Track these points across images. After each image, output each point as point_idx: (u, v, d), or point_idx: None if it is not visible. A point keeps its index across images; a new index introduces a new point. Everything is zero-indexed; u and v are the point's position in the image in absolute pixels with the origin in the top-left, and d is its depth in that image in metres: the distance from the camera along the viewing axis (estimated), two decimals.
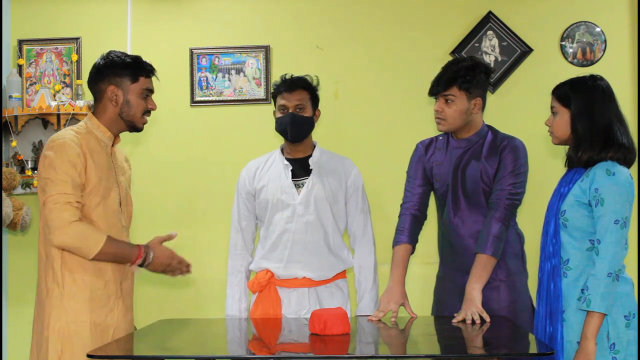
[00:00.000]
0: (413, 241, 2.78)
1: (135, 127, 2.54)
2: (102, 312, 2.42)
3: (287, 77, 2.90)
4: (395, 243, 2.77)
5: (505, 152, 2.65)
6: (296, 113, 2.85)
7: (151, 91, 2.54)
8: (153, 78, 2.44)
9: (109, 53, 2.51)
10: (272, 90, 2.97)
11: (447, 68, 2.69)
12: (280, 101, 2.88)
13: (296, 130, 2.86)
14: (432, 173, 2.79)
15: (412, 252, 2.79)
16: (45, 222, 2.34)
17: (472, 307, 2.51)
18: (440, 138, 2.83)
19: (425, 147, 2.84)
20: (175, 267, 2.51)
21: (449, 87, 2.64)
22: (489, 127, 2.75)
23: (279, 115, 2.88)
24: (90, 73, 2.52)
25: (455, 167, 2.72)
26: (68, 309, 2.37)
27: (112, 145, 2.53)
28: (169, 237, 2.52)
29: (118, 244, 2.38)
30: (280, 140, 3.02)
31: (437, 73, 2.72)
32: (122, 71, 2.47)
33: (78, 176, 2.35)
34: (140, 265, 2.43)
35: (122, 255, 2.39)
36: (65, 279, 2.38)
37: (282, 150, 2.97)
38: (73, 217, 2.30)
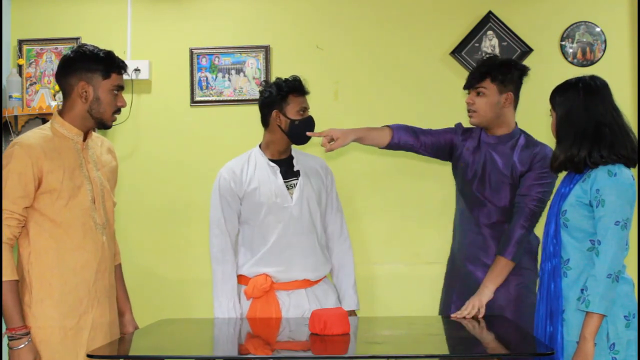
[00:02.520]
0: (395, 127, 2.87)
1: (104, 125, 2.45)
2: (74, 316, 2.36)
3: (297, 78, 2.87)
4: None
5: (538, 157, 2.72)
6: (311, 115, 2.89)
7: (122, 88, 2.46)
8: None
9: (80, 46, 2.43)
10: (275, 91, 2.87)
11: (483, 62, 2.82)
12: (300, 104, 2.85)
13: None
14: (462, 156, 2.85)
15: (390, 138, 2.85)
16: None
17: (477, 302, 2.60)
18: (475, 130, 2.89)
19: (463, 130, 2.91)
20: None
21: (483, 80, 2.76)
22: (522, 131, 2.83)
23: (297, 117, 2.84)
24: (59, 66, 2.43)
25: (485, 159, 2.79)
26: (37, 315, 2.32)
27: (85, 140, 2.46)
28: None
29: (11, 300, 2.26)
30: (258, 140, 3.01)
31: (476, 66, 2.85)
32: (94, 66, 2.38)
33: (23, 187, 2.29)
34: (10, 338, 2.27)
35: (4, 310, 2.26)
36: (32, 284, 2.33)
37: (261, 152, 2.94)
38: (4, 237, 2.28)
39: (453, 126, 2.96)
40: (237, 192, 2.88)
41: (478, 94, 2.76)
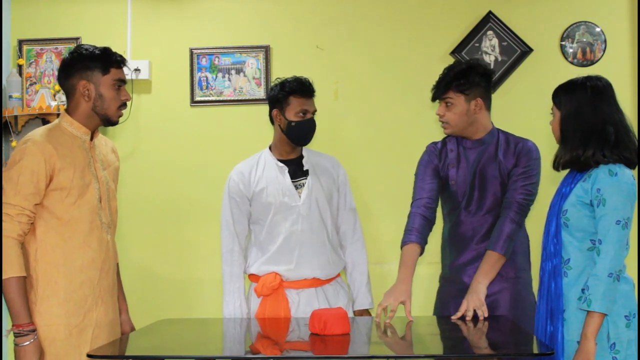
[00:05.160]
0: (422, 241, 2.72)
1: (110, 122, 2.47)
2: (79, 313, 2.37)
3: (303, 79, 2.87)
4: (404, 243, 2.73)
5: (522, 153, 2.71)
6: (313, 118, 2.88)
7: (123, 82, 2.47)
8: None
9: (77, 47, 2.45)
10: (277, 90, 2.88)
11: (444, 73, 2.76)
12: (300, 105, 2.85)
13: (312, 135, 2.89)
14: (448, 176, 2.79)
15: (421, 253, 2.73)
16: None
17: (476, 299, 2.56)
18: (449, 140, 2.84)
19: (439, 151, 2.83)
20: None
21: (446, 91, 2.71)
22: (499, 130, 2.80)
23: (295, 118, 2.84)
24: (60, 69, 2.46)
25: (474, 167, 2.76)
26: (42, 312, 2.33)
27: (92, 139, 2.48)
28: None
29: (18, 296, 2.26)
30: (268, 141, 3.01)
31: (438, 77, 2.77)
32: (92, 64, 2.40)
33: (35, 184, 2.30)
34: (16, 335, 2.27)
35: (11, 306, 2.27)
36: (39, 282, 2.34)
37: (271, 152, 2.95)
38: (9, 232, 2.27)
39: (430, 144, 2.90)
40: (245, 194, 2.91)
41: (447, 104, 2.72)
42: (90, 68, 2.41)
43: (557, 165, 2.42)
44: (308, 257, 2.84)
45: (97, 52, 2.43)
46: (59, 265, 2.36)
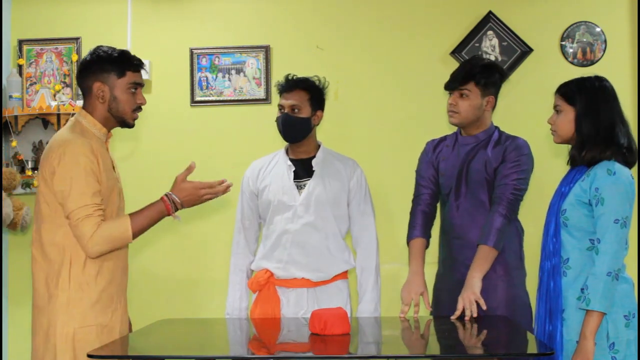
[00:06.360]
0: (426, 235, 2.87)
1: (125, 123, 2.48)
2: (107, 313, 2.39)
3: (290, 77, 2.92)
4: (410, 238, 2.86)
5: (510, 149, 2.74)
6: (290, 114, 2.86)
7: (140, 85, 2.48)
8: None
9: (96, 48, 2.45)
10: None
11: (465, 64, 2.81)
12: (280, 101, 2.91)
13: (289, 130, 2.87)
14: (439, 168, 2.88)
15: (427, 246, 2.87)
16: (75, 235, 2.32)
17: (471, 294, 2.57)
18: (449, 136, 2.92)
19: (434, 147, 2.94)
20: (205, 193, 2.41)
21: (466, 82, 2.74)
22: (496, 128, 2.85)
23: (277, 114, 2.90)
24: (78, 69, 2.47)
25: (463, 161, 2.80)
26: (75, 315, 2.33)
27: (106, 141, 2.49)
28: (189, 170, 2.42)
29: (142, 214, 2.35)
30: (281, 140, 3.03)
31: (455, 69, 2.82)
32: (109, 66, 2.41)
33: (96, 181, 2.31)
34: (176, 210, 2.38)
35: (153, 218, 2.36)
36: (71, 284, 2.34)
37: (287, 151, 2.97)
38: (93, 227, 2.27)
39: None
40: (253, 190, 2.97)
41: (461, 95, 2.75)
42: (106, 70, 2.41)
43: (580, 161, 2.39)
44: (298, 258, 2.84)
45: (115, 54, 2.43)
46: (89, 267, 2.36)
